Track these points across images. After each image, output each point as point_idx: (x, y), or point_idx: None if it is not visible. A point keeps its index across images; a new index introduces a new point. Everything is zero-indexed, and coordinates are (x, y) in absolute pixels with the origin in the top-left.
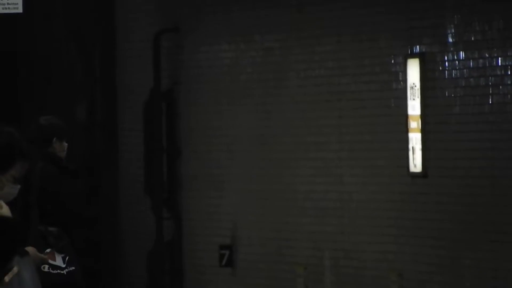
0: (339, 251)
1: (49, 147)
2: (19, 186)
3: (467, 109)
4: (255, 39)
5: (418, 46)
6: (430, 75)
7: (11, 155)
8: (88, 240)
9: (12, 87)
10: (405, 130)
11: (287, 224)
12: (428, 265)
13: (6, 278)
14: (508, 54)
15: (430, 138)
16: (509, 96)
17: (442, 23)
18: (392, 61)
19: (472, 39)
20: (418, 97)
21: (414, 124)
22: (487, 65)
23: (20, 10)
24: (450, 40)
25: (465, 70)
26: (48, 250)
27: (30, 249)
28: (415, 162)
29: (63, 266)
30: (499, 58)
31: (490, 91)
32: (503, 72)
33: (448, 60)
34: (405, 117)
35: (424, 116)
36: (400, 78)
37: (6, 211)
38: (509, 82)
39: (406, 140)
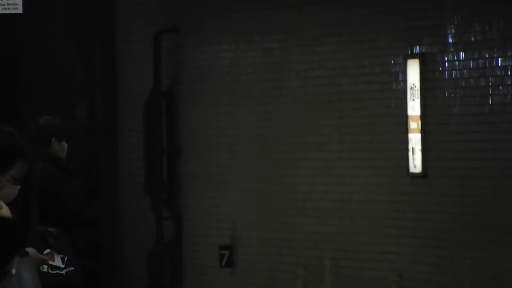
0: (339, 252)
1: (48, 147)
2: (19, 187)
3: (467, 109)
4: (255, 39)
5: (418, 47)
6: (430, 75)
7: (11, 156)
8: (89, 241)
9: (12, 87)
10: (405, 130)
11: (287, 225)
12: (428, 266)
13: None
14: (508, 54)
15: (430, 138)
16: (509, 96)
17: (442, 24)
18: (392, 62)
19: (472, 39)
20: (418, 98)
21: (414, 124)
22: (487, 65)
23: (20, 10)
24: (450, 40)
25: (465, 70)
26: (47, 251)
27: (30, 249)
28: (415, 163)
29: (62, 266)
30: (499, 59)
31: (490, 92)
32: (503, 72)
33: (448, 61)
34: (405, 117)
35: (424, 116)
36: (400, 79)
37: (6, 211)
38: (509, 83)
39: (406, 141)
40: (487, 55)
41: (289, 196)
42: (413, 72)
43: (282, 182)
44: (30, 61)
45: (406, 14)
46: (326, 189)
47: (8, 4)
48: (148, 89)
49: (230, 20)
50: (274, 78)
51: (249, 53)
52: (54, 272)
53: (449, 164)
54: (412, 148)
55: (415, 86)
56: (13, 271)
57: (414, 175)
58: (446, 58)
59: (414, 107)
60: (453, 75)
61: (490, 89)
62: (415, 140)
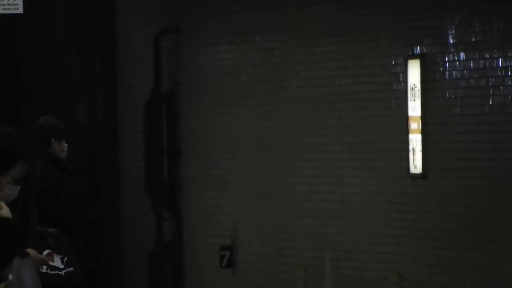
0: (339, 252)
1: (48, 147)
2: (19, 187)
3: (468, 110)
4: (256, 40)
5: (418, 47)
6: (431, 76)
7: (11, 156)
8: (89, 241)
9: (12, 87)
10: (406, 131)
11: (287, 225)
12: (428, 266)
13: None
14: (509, 55)
15: (431, 139)
16: (509, 97)
17: (442, 24)
18: (393, 62)
19: (473, 40)
20: (418, 98)
21: (415, 125)
22: (488, 66)
23: (20, 10)
24: (451, 41)
25: (465, 71)
26: (47, 251)
27: (30, 250)
28: (415, 163)
29: (61, 267)
30: (500, 59)
31: (491, 92)
32: (503, 73)
33: (448, 61)
34: (405, 118)
35: (424, 117)
36: (401, 79)
37: (6, 212)
38: (509, 83)
39: (406, 141)
40: (487, 56)
41: (289, 197)
42: (413, 72)
43: (282, 183)
44: (30, 61)
45: (407, 15)
46: (326, 189)
47: (8, 4)
48: (149, 89)
49: (230, 20)
50: (274, 78)
51: (249, 54)
52: (53, 272)
53: (450, 164)
54: (413, 149)
55: (416, 87)
56: (10, 276)
57: (415, 176)
58: (446, 59)
59: (414, 108)
60: (454, 75)
61: (491, 90)
62: (415, 140)
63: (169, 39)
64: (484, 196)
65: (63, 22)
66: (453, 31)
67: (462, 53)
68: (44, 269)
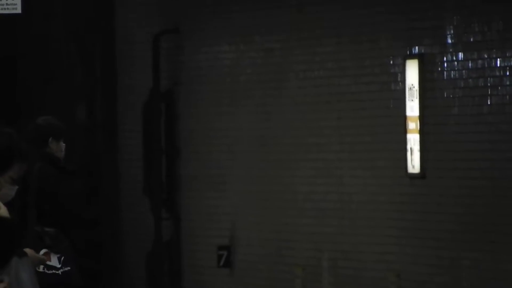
0: (338, 252)
1: (46, 147)
2: (17, 187)
3: (466, 110)
4: (255, 40)
5: (417, 47)
6: (429, 76)
7: (9, 157)
8: (89, 241)
9: (11, 87)
10: (404, 131)
11: (287, 225)
12: (427, 266)
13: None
14: (507, 55)
15: (429, 139)
16: (507, 97)
17: (441, 24)
18: (391, 62)
19: (471, 40)
20: (416, 98)
21: (413, 125)
22: (486, 66)
23: (19, 10)
24: (449, 41)
25: (464, 71)
26: (44, 251)
27: (28, 250)
28: (413, 163)
29: (59, 266)
30: (498, 59)
31: (489, 92)
32: (502, 73)
33: (447, 61)
34: (403, 118)
35: (422, 117)
36: (399, 79)
37: (4, 211)
38: (508, 83)
39: (404, 141)
40: (486, 56)
41: (289, 197)
42: (412, 72)
43: (282, 183)
44: (29, 61)
45: (406, 15)
46: (325, 189)
47: (7, 4)
48: (148, 89)
49: (230, 20)
50: (274, 78)
51: (249, 54)
52: (50, 272)
53: (448, 164)
54: (411, 149)
55: (414, 87)
56: (6, 278)
57: (413, 176)
58: (445, 59)
59: (412, 108)
60: (452, 75)
61: (489, 90)
62: (413, 140)
63: (168, 39)
64: (483, 196)
65: (62, 22)
66: (452, 31)
67: (460, 53)
68: (41, 268)
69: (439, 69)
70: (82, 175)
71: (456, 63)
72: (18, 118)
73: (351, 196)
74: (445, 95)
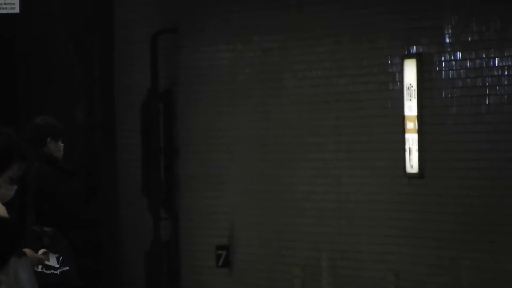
0: (337, 252)
1: (44, 147)
2: (16, 187)
3: (464, 109)
4: (254, 40)
5: (415, 47)
6: (427, 75)
7: (8, 157)
8: (87, 241)
9: (11, 87)
10: (402, 130)
11: (286, 225)
12: (426, 266)
13: None
14: (505, 54)
15: (427, 138)
16: (506, 96)
17: (440, 24)
18: (389, 62)
19: (469, 39)
20: (414, 98)
21: (411, 124)
22: (484, 65)
23: (17, 10)
24: (447, 40)
25: (462, 70)
26: (42, 251)
27: (27, 250)
28: (412, 163)
29: (57, 266)
30: (496, 59)
31: (487, 92)
32: (500, 72)
33: (445, 61)
34: (401, 117)
35: (420, 116)
36: (397, 79)
37: (3, 211)
38: (506, 83)
39: (402, 141)
40: (484, 56)
41: (288, 197)
42: (410, 72)
43: (281, 183)
44: (28, 61)
45: (406, 15)
46: (325, 189)
47: (5, 4)
48: (147, 89)
49: (230, 20)
50: (273, 78)
51: (247, 54)
52: (48, 272)
53: (446, 164)
54: (409, 148)
55: (412, 86)
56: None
57: (411, 176)
58: (443, 58)
59: (411, 107)
60: (450, 75)
61: (487, 89)
62: (411, 140)
63: (167, 39)
64: (482, 196)
65: (61, 22)
66: (450, 31)
67: (458, 52)
68: (40, 268)
69: (437, 68)
70: (81, 175)
71: (454, 62)
72: (17, 118)
73: (350, 196)
74: (444, 95)
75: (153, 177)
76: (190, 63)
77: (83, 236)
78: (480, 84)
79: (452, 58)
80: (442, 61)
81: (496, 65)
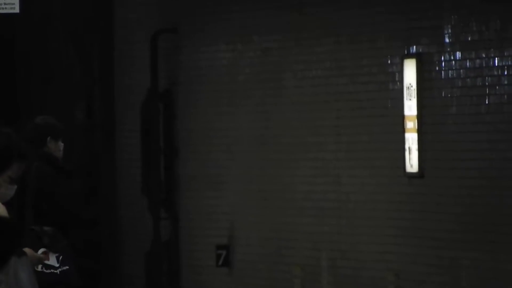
0: (337, 252)
1: (44, 146)
2: (15, 187)
3: (464, 109)
4: (254, 40)
5: (415, 47)
6: (427, 75)
7: (8, 156)
8: (87, 240)
9: (11, 87)
10: (402, 130)
11: (286, 225)
12: (425, 266)
13: None
14: (505, 54)
15: (427, 138)
16: (506, 96)
17: (439, 24)
18: (389, 62)
19: (469, 39)
20: (414, 98)
21: (411, 124)
22: (484, 65)
23: (17, 10)
24: (447, 40)
25: (462, 70)
26: (42, 250)
27: (27, 249)
28: (412, 163)
29: (57, 265)
30: (496, 59)
31: (487, 92)
32: (500, 72)
33: (445, 61)
34: (401, 117)
35: (420, 116)
36: (397, 79)
37: (3, 211)
38: (506, 83)
39: (402, 141)
40: (484, 55)
41: (288, 196)
42: (409, 72)
43: (281, 182)
44: (28, 61)
45: (406, 15)
46: (324, 189)
47: (4, 4)
48: (147, 89)
49: (230, 20)
50: (273, 78)
51: (247, 54)
52: (48, 271)
53: (446, 164)
54: (409, 148)
55: (412, 86)
56: (2, 277)
57: (411, 175)
58: (443, 58)
59: (410, 107)
60: (450, 75)
61: (487, 89)
62: (411, 139)
63: (167, 39)
64: (482, 196)
65: (61, 22)
66: (450, 31)
67: (458, 52)
68: (40, 267)
69: (437, 68)
70: (81, 175)
71: (454, 62)
72: (17, 118)
73: (350, 195)
74: (443, 95)
75: (153, 177)
76: (190, 63)
77: (83, 236)
78: (480, 84)
79: (452, 58)
80: (442, 61)
81: (496, 65)
